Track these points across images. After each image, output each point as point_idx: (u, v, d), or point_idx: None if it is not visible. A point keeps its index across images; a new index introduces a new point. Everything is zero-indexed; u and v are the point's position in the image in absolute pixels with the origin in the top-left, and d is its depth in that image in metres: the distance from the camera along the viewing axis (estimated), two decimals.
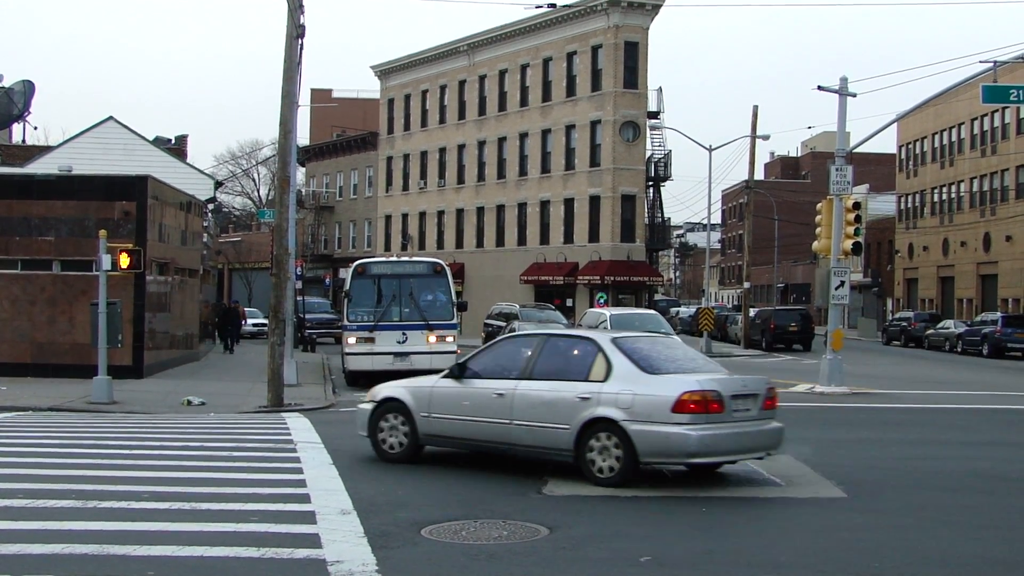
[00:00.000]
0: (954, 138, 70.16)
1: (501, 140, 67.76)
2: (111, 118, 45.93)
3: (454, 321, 29.82)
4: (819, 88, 32.06)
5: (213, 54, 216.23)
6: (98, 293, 24.49)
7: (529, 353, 13.89)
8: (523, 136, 66.00)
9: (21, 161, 45.43)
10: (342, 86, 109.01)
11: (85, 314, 27.17)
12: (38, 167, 40.76)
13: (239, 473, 13.65)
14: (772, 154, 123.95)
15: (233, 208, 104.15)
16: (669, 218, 74.00)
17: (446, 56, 71.80)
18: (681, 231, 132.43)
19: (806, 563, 9.42)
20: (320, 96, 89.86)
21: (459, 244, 70.96)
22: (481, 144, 69.44)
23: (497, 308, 48.63)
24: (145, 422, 20.49)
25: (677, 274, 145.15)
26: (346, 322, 29.90)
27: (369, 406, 15.05)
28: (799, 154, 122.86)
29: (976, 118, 65.84)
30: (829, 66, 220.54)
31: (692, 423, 12.32)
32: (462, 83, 70.88)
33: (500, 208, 67.73)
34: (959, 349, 52.05)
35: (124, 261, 24.82)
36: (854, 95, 31.10)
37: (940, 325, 57.25)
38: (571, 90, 62.42)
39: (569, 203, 62.43)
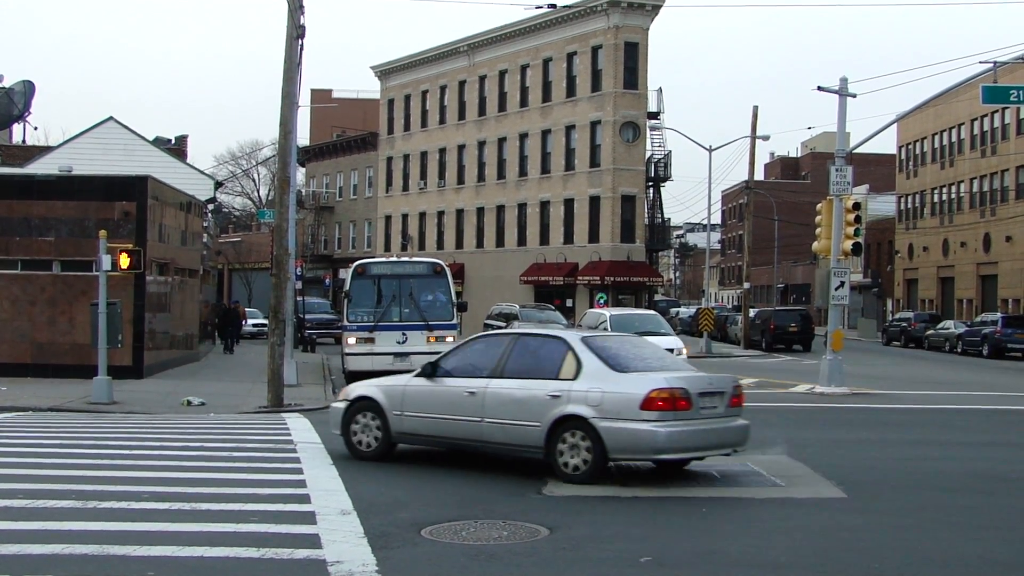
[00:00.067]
0: (954, 138, 70.18)
1: (501, 140, 67.78)
2: (111, 118, 45.95)
3: (454, 321, 29.82)
4: (819, 88, 32.08)
5: (213, 54, 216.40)
6: (98, 293, 24.49)
7: (500, 352, 14.12)
8: (523, 136, 66.02)
9: (21, 161, 45.45)
10: (342, 86, 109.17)
11: (85, 314, 27.17)
12: (38, 167, 40.77)
13: (239, 473, 13.66)
14: (772, 154, 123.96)
15: (233, 208, 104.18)
16: (669, 218, 74.09)
17: (446, 56, 71.83)
18: (681, 231, 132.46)
19: (806, 563, 9.42)
20: (320, 96, 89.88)
21: (459, 244, 70.98)
22: (481, 144, 69.46)
23: (497, 308, 48.59)
24: (145, 422, 20.49)
25: (677, 274, 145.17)
26: (346, 322, 29.90)
27: (342, 404, 15.31)
28: (799, 154, 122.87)
29: (976, 119, 65.86)
30: (829, 66, 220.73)
31: (660, 420, 12.57)
32: (462, 83, 70.90)
33: (500, 208, 67.74)
34: (959, 350, 52.05)
35: (124, 261, 24.83)
36: (854, 96, 31.13)
37: (940, 326, 57.24)
38: (571, 90, 62.44)
39: (569, 203, 62.45)
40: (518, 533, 10.40)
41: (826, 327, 31.96)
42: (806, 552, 9.87)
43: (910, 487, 13.47)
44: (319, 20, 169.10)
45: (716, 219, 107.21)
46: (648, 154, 62.82)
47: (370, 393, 15.02)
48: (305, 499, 11.92)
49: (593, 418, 12.80)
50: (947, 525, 11.24)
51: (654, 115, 61.99)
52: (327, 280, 77.74)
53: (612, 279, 57.80)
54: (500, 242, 67.70)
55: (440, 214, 73.03)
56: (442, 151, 72.79)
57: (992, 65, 29.92)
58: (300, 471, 13.88)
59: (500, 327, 41.64)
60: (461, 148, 71.06)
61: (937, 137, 72.45)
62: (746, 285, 57.02)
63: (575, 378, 13.17)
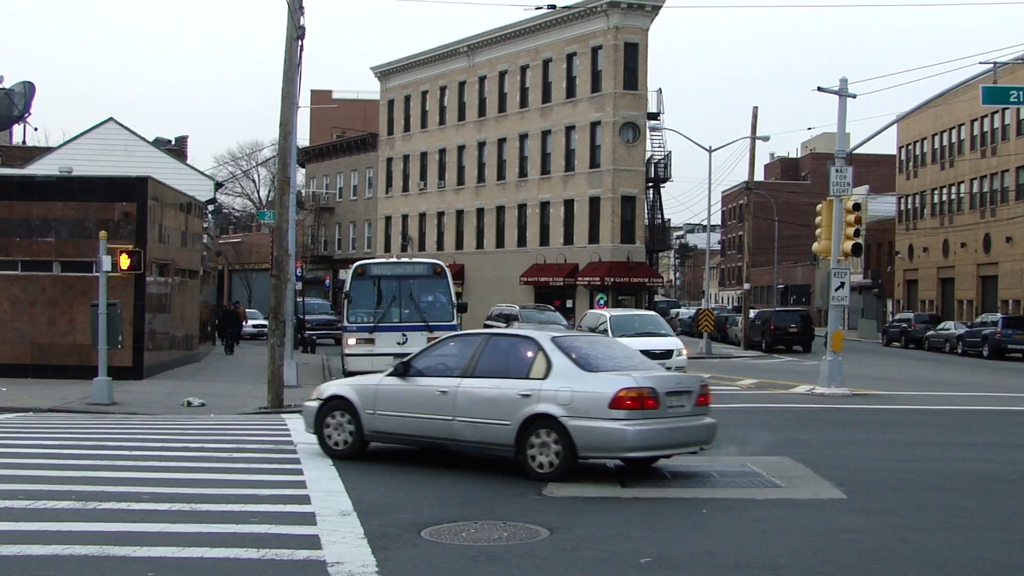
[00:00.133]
0: (954, 139, 70.18)
1: (501, 141, 67.78)
2: (111, 119, 45.98)
3: (454, 322, 29.81)
4: (819, 89, 32.08)
5: (213, 54, 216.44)
6: (98, 294, 24.51)
7: (472, 352, 14.28)
8: (523, 137, 66.03)
9: (21, 162, 45.48)
10: (342, 87, 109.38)
11: (85, 315, 27.18)
12: (38, 168, 40.81)
13: (239, 474, 13.66)
14: (772, 155, 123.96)
15: (233, 209, 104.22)
16: (669, 219, 74.18)
17: (446, 57, 71.83)
18: (681, 232, 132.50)
19: (806, 564, 9.42)
20: (320, 97, 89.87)
21: (459, 245, 70.98)
22: (481, 145, 69.46)
23: (497, 309, 48.57)
24: (145, 423, 20.49)
25: (677, 275, 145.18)
26: (346, 323, 29.91)
27: (315, 404, 15.46)
28: (799, 155, 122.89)
29: (976, 119, 65.86)
30: (829, 67, 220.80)
31: (629, 419, 12.76)
32: (462, 84, 70.90)
33: (500, 209, 67.74)
34: (959, 350, 52.04)
35: (124, 262, 24.84)
36: (854, 96, 31.13)
37: (940, 326, 57.23)
38: (571, 91, 62.44)
39: (569, 204, 62.45)
40: (518, 534, 10.41)
41: (826, 328, 31.96)
42: (806, 553, 9.86)
43: (910, 488, 13.46)
44: (319, 21, 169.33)
45: (716, 220, 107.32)
46: (648, 155, 62.86)
47: (343, 392, 15.20)
48: (305, 500, 11.92)
49: (563, 417, 12.98)
50: (947, 526, 11.24)
51: (654, 116, 62.00)
52: (327, 281, 77.75)
53: (612, 280, 57.80)
54: (500, 243, 67.70)
55: (440, 215, 73.04)
56: (442, 152, 72.80)
57: (992, 66, 29.93)
58: (300, 472, 13.89)
59: (500, 328, 41.69)
60: (461, 149, 71.06)
61: (937, 138, 72.45)
62: (746, 286, 57.01)
63: (545, 377, 13.35)
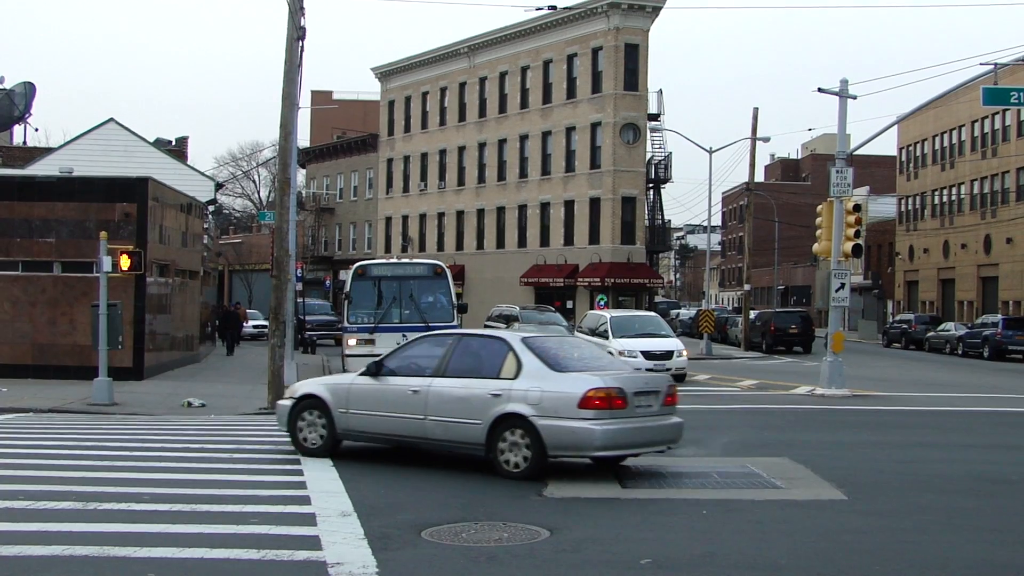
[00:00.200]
0: (954, 140, 70.20)
1: (501, 142, 67.80)
2: (112, 120, 45.98)
3: (455, 323, 29.74)
4: (819, 90, 32.08)
5: (213, 55, 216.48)
6: (99, 295, 24.51)
7: (443, 352, 14.44)
8: (523, 138, 66.04)
9: (22, 163, 45.49)
10: (342, 88, 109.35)
11: (86, 316, 27.19)
12: (39, 169, 40.80)
13: (239, 475, 13.67)
14: (772, 156, 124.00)
15: (233, 210, 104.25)
16: (669, 220, 74.10)
17: (446, 58, 71.85)
18: (681, 233, 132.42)
19: (806, 565, 9.42)
20: (320, 98, 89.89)
21: (459, 246, 70.99)
22: (481, 146, 69.48)
23: (497, 310, 48.58)
24: (145, 424, 20.50)
25: (677, 276, 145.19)
26: (346, 324, 29.89)
27: (288, 403, 15.60)
28: (799, 156, 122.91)
29: (976, 120, 65.88)
30: (829, 67, 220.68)
31: (597, 418, 12.96)
32: (462, 85, 70.92)
33: (500, 210, 67.75)
34: (960, 351, 52.01)
35: (125, 263, 24.85)
36: (854, 97, 31.13)
37: (940, 327, 57.21)
38: (571, 92, 62.45)
39: (569, 205, 62.46)
40: (518, 535, 10.41)
41: (826, 329, 31.96)
42: (806, 554, 9.87)
43: (911, 489, 13.46)
44: (319, 21, 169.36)
45: (716, 221, 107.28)
46: (648, 156, 62.82)
47: (316, 391, 15.32)
48: (305, 501, 11.93)
49: (533, 416, 13.15)
50: (948, 527, 11.24)
51: (654, 116, 61.97)
52: (327, 281, 77.77)
53: (612, 281, 57.81)
54: (500, 244, 67.71)
55: (440, 215, 73.05)
56: (442, 152, 72.82)
57: (993, 67, 29.94)
58: (300, 472, 13.89)
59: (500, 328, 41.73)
60: (461, 150, 71.07)
61: (937, 139, 72.47)
62: (746, 287, 57.02)
63: (515, 377, 13.52)
